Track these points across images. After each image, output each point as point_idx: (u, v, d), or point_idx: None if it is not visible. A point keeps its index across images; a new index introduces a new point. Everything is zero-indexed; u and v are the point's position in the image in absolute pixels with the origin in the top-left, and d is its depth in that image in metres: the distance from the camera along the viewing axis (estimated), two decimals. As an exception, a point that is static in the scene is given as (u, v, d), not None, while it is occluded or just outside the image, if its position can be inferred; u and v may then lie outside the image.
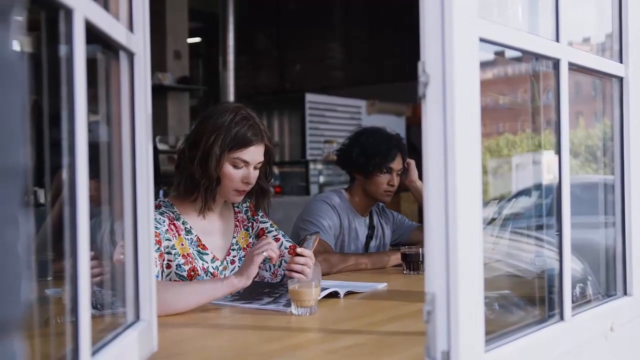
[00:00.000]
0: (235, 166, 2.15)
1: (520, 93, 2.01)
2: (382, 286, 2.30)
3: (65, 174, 0.99)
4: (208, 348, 1.56)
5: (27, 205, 0.58)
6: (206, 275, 2.16)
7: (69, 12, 0.96)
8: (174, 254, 2.10)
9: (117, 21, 1.23)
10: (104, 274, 1.50)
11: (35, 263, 0.81)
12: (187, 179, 2.16)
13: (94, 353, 1.06)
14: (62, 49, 0.98)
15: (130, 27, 1.31)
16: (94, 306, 1.21)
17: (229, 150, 2.13)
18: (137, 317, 1.33)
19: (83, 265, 0.99)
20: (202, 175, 2.13)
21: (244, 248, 2.31)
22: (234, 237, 2.30)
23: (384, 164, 2.91)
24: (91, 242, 1.02)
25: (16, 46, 0.57)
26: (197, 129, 2.18)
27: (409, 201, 6.64)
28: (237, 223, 2.33)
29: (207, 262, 2.17)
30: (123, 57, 1.30)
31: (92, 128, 1.06)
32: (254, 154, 2.17)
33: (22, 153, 0.56)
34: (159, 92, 7.08)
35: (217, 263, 2.21)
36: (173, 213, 2.16)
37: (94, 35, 1.08)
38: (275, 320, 1.79)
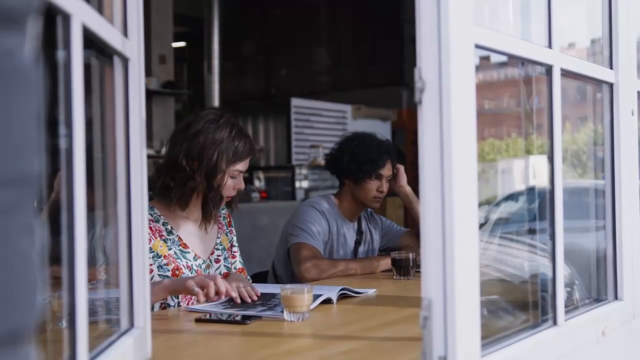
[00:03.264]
0: (232, 177, 2.25)
1: (506, 98, 2.02)
2: (372, 292, 2.30)
3: (62, 179, 0.99)
4: (202, 355, 1.56)
5: (39, 212, 0.58)
6: (190, 273, 2.22)
7: (66, 18, 0.95)
8: (153, 257, 2.15)
9: (112, 26, 1.22)
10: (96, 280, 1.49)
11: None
12: (188, 193, 2.21)
13: (90, 361, 1.05)
14: (60, 54, 0.97)
15: (125, 33, 1.31)
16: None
17: (232, 164, 2.23)
18: (132, 324, 1.32)
19: (80, 273, 0.98)
20: (208, 190, 2.21)
21: (227, 249, 2.40)
22: (218, 238, 2.38)
23: (374, 170, 2.91)
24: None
25: (31, 53, 0.56)
26: (194, 143, 2.20)
27: (394, 206, 6.65)
28: (220, 225, 2.42)
29: (190, 260, 2.23)
30: (117, 62, 1.29)
31: (85, 133, 1.05)
32: (247, 163, 2.29)
33: (37, 160, 0.55)
34: (144, 97, 7.03)
35: (200, 261, 2.27)
36: (152, 215, 2.19)
37: (89, 40, 1.07)
38: (267, 327, 1.78)
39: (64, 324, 1.03)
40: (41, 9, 0.62)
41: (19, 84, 0.54)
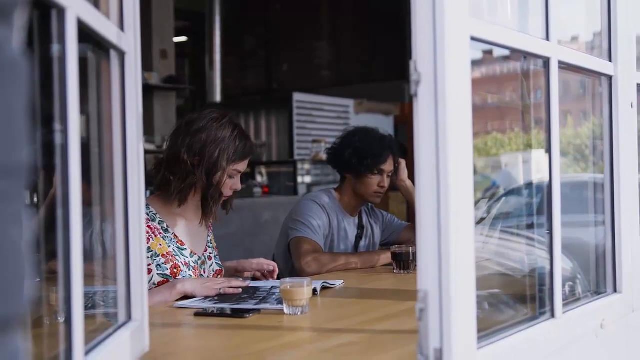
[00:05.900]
0: (231, 176, 2.26)
1: (508, 92, 2.02)
2: (339, 283, 2.33)
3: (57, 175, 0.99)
4: (200, 348, 1.56)
5: (29, 203, 0.59)
6: (188, 270, 2.23)
7: (61, 11, 0.95)
8: (151, 256, 2.16)
9: (108, 20, 1.22)
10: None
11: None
12: (188, 188, 2.23)
13: (87, 353, 1.06)
14: (54, 48, 0.97)
15: (121, 26, 1.31)
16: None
17: (232, 163, 2.24)
18: (129, 317, 1.33)
19: (76, 266, 0.98)
20: (207, 187, 2.23)
21: (215, 247, 2.43)
22: (209, 236, 2.41)
23: (376, 165, 2.90)
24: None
25: (18, 46, 0.57)
26: (196, 139, 2.22)
27: (397, 201, 6.66)
28: (209, 224, 2.44)
29: (187, 257, 2.25)
30: (114, 56, 1.29)
31: (81, 128, 1.05)
32: (246, 164, 2.32)
33: (26, 151, 0.56)
34: (145, 92, 6.99)
35: (196, 258, 2.29)
36: (148, 214, 2.20)
37: (84, 34, 1.07)
38: (266, 320, 1.78)
39: (62, 317, 1.03)
40: (28, 0, 0.62)
41: (7, 76, 0.54)
